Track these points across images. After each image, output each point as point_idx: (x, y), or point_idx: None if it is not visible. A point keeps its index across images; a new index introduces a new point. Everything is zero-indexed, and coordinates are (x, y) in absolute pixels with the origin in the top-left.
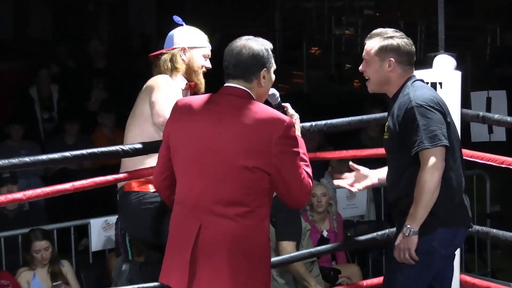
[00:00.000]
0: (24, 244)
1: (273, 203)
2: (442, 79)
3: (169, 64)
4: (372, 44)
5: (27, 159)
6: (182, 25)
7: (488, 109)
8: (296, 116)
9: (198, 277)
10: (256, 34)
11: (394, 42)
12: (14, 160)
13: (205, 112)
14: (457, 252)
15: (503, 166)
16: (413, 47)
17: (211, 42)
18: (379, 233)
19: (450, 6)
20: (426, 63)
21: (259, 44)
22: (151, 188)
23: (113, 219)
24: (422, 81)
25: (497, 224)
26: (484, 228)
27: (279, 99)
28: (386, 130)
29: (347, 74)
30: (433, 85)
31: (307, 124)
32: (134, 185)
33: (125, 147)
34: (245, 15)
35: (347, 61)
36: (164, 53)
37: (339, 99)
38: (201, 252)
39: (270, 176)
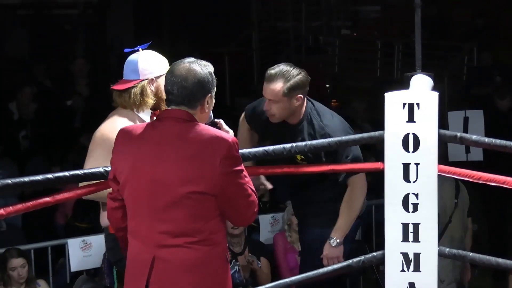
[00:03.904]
0: (0, 263)
1: None
2: (420, 99)
3: (139, 98)
4: (278, 86)
5: (9, 181)
6: (137, 50)
7: (465, 129)
8: (231, 132)
9: None
10: (234, 53)
11: (299, 80)
12: None
13: (145, 140)
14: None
15: (480, 182)
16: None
17: None
18: (354, 260)
19: (427, 26)
20: (403, 83)
21: (203, 68)
22: None
23: (90, 239)
24: (312, 103)
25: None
26: (462, 252)
27: (212, 116)
28: (299, 156)
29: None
30: (411, 106)
31: (288, 145)
32: None
33: (108, 167)
34: (223, 34)
35: (324, 81)
36: (132, 87)
37: None
38: (157, 282)
39: (217, 198)
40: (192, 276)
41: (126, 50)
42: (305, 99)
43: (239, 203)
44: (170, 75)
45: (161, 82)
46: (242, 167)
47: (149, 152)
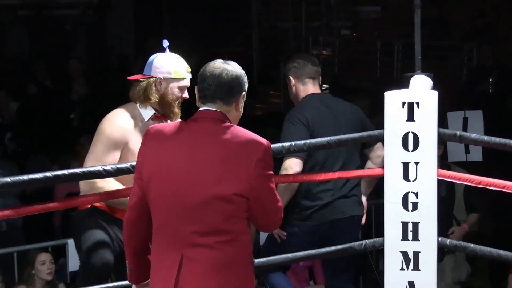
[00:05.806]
0: (26, 259)
1: None
2: (419, 98)
3: (142, 94)
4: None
5: (8, 179)
6: (165, 50)
7: (465, 129)
8: None
9: None
10: (234, 53)
11: (290, 63)
12: None
13: (179, 139)
14: None
15: (480, 186)
16: (312, 65)
17: (189, 62)
18: (356, 243)
19: (427, 26)
20: (403, 83)
21: (236, 67)
22: None
23: None
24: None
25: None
26: (462, 243)
27: None
28: None
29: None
30: (410, 105)
31: (287, 144)
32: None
33: (107, 166)
34: (223, 35)
35: (324, 81)
36: (141, 80)
37: None
38: (185, 282)
39: (249, 200)
40: (219, 276)
41: (164, 42)
42: (304, 89)
43: (269, 207)
44: (204, 72)
45: (171, 86)
46: (272, 172)
47: (184, 152)
